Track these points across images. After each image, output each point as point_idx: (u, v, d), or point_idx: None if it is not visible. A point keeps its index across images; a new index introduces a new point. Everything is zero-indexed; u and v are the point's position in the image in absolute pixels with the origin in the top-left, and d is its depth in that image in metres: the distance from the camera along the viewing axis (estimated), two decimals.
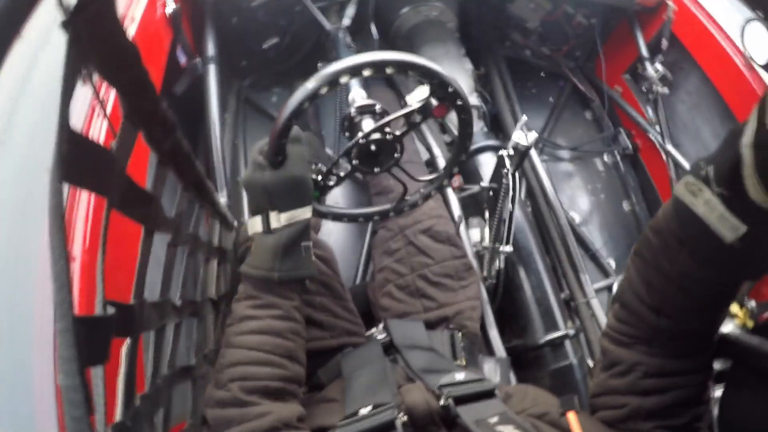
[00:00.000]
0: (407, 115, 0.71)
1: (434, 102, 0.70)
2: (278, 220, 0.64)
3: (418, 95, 0.72)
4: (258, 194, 0.65)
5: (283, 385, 0.62)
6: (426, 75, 0.65)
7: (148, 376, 0.53)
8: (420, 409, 0.57)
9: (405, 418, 0.57)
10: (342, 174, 0.71)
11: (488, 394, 0.60)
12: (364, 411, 0.59)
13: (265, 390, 0.60)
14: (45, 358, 0.60)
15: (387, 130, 0.70)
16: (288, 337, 0.65)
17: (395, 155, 0.74)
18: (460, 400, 0.58)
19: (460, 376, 0.64)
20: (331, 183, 0.71)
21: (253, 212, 0.66)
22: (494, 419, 0.53)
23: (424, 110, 0.71)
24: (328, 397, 0.72)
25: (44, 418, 0.57)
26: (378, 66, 0.62)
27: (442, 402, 0.58)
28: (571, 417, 0.54)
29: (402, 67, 0.63)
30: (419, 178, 0.84)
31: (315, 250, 0.94)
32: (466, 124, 0.74)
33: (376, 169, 0.74)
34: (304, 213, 0.65)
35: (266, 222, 0.64)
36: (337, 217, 0.83)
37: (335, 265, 1.00)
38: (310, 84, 0.61)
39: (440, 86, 0.68)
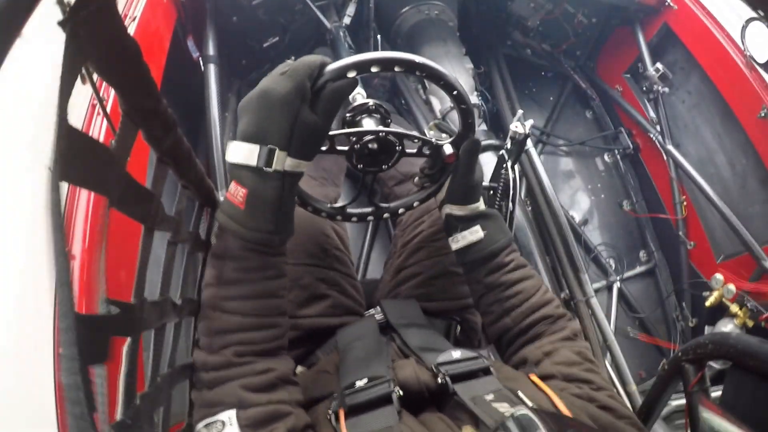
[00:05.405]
0: (422, 142, 0.72)
1: (450, 149, 0.72)
2: (282, 162, 0.55)
3: (437, 135, 0.74)
4: (280, 124, 0.54)
5: (276, 344, 0.61)
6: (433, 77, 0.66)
7: (149, 375, 0.53)
8: (412, 385, 0.58)
9: (401, 392, 0.57)
10: (338, 148, 0.70)
11: (484, 372, 0.61)
12: (360, 383, 0.59)
13: (262, 352, 0.59)
14: (44, 357, 0.60)
15: (393, 138, 0.70)
16: (280, 295, 0.62)
17: (389, 163, 0.74)
18: (457, 377, 0.59)
19: (456, 354, 0.64)
20: (324, 147, 0.69)
21: (251, 139, 0.55)
22: (490, 396, 0.54)
23: (437, 150, 0.73)
24: (321, 369, 0.72)
25: (43, 417, 0.57)
26: (436, 77, 0.64)
27: (439, 380, 0.59)
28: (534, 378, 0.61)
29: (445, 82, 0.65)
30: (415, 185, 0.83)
31: (334, 225, 0.95)
32: (468, 128, 0.74)
33: (359, 167, 0.73)
34: (304, 167, 0.59)
35: (268, 157, 0.54)
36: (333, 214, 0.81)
37: (348, 241, 0.99)
38: (381, 54, 0.60)
39: (461, 136, 0.72)
